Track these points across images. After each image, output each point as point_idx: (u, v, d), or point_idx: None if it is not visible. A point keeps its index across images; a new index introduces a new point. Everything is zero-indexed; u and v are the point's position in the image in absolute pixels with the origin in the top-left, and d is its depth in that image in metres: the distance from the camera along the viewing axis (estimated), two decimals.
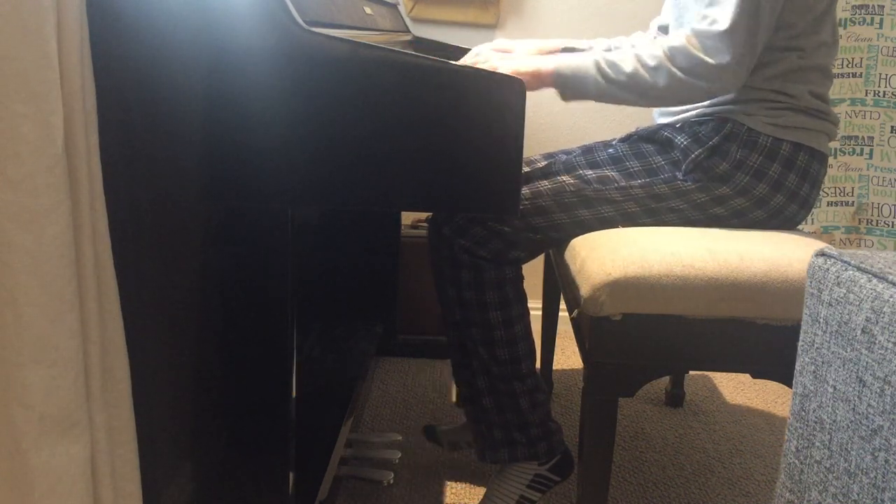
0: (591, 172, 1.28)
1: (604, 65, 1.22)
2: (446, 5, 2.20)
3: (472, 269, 1.26)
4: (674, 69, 1.19)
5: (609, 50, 1.54)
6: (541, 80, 1.25)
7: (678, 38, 1.20)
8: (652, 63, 1.20)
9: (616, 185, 1.27)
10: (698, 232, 1.24)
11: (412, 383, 1.99)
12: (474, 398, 1.34)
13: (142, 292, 0.90)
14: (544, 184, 1.28)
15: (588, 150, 1.33)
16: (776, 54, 1.25)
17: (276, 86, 0.89)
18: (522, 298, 1.31)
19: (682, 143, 1.28)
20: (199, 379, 1.01)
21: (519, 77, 1.12)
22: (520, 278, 1.31)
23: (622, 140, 1.36)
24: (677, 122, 1.33)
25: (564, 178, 1.28)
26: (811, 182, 1.29)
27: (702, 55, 1.17)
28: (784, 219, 1.30)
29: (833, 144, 1.32)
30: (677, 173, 1.28)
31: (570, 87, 1.24)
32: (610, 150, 1.32)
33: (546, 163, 1.34)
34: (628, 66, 1.21)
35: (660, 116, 1.43)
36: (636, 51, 1.22)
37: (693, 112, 1.32)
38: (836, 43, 1.32)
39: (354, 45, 0.88)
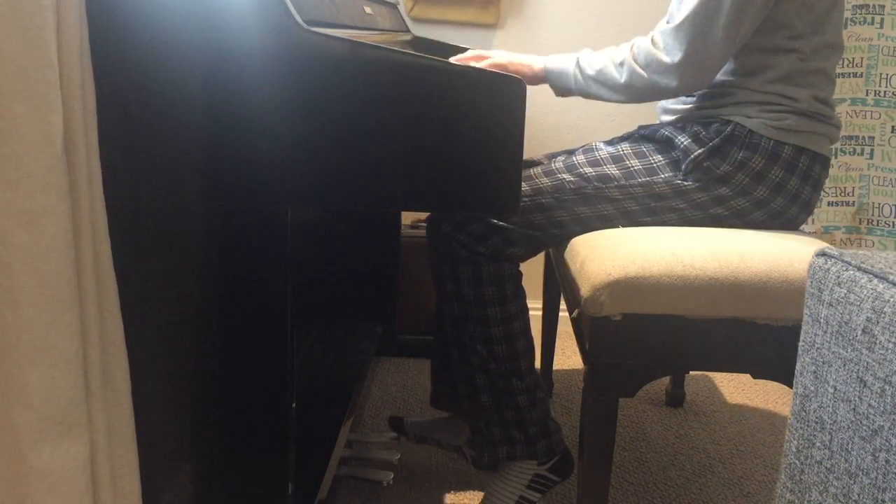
0: (591, 170, 1.29)
1: (582, 61, 1.30)
2: (446, 5, 2.20)
3: (471, 265, 1.26)
4: (635, 65, 1.24)
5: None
6: (532, 76, 1.34)
7: (646, 36, 1.25)
8: (618, 59, 1.26)
9: (616, 183, 1.28)
10: (699, 232, 1.24)
11: (412, 383, 1.99)
12: (472, 396, 1.34)
13: (142, 292, 0.90)
14: (545, 181, 1.29)
15: (589, 150, 1.34)
16: (776, 57, 1.25)
17: (276, 85, 0.89)
18: (521, 295, 1.31)
19: (682, 143, 1.27)
20: (198, 379, 1.01)
21: (513, 67, 1.30)
22: (518, 275, 1.31)
23: (623, 138, 1.36)
24: (678, 120, 1.33)
25: (565, 175, 1.29)
26: (812, 185, 1.28)
27: (657, 52, 1.22)
28: (785, 220, 1.30)
29: (833, 144, 1.32)
30: (677, 173, 1.28)
31: (556, 83, 1.34)
32: (610, 149, 1.32)
33: (547, 161, 1.35)
34: (600, 62, 1.28)
35: (663, 114, 1.43)
36: (611, 49, 1.29)
37: (695, 112, 1.32)
38: (841, 46, 1.30)
39: (354, 44, 0.88)
